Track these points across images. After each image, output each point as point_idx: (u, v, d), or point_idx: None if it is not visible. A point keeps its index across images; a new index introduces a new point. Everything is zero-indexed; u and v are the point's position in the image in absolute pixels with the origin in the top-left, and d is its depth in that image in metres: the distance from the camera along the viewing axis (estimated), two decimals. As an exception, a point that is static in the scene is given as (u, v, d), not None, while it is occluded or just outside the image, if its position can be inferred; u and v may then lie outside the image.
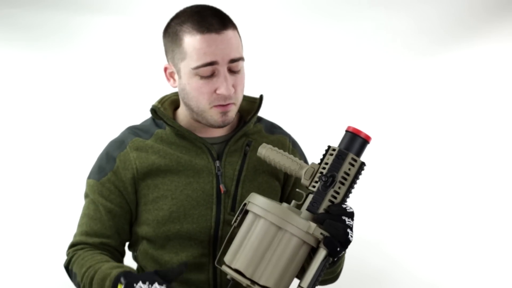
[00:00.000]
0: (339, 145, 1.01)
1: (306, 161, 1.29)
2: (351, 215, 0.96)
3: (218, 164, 1.15)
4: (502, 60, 2.15)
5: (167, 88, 1.28)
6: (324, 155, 1.01)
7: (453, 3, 2.18)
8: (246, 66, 1.14)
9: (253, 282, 0.94)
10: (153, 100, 1.21)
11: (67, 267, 1.17)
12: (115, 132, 1.25)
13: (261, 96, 1.22)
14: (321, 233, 0.93)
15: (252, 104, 1.23)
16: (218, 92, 1.06)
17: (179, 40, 1.06)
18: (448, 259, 2.06)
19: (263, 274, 0.94)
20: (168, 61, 1.13)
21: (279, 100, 2.04)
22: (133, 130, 1.20)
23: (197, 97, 1.08)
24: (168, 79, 1.15)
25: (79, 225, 1.19)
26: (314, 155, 1.32)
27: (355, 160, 0.99)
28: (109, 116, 2.13)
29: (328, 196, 0.98)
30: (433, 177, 2.14)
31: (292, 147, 1.26)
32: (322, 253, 0.93)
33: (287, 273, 0.95)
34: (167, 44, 1.12)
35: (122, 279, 0.99)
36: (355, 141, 1.00)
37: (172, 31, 1.09)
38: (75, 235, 1.19)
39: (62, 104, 2.16)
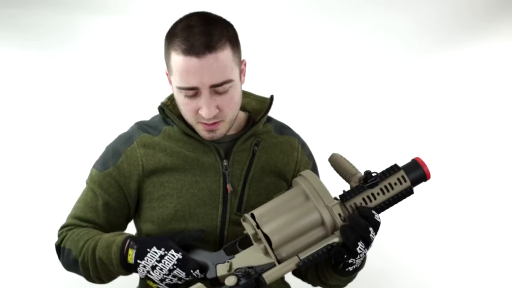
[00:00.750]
0: (402, 166, 1.02)
1: (314, 162, 1.29)
2: (375, 224, 0.95)
3: (225, 163, 1.14)
4: (502, 60, 2.16)
5: (167, 89, 1.27)
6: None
7: (453, 3, 2.19)
8: (249, 65, 1.14)
9: (258, 226, 0.95)
10: (153, 99, 1.20)
11: (59, 246, 1.16)
12: (115, 131, 1.24)
13: (272, 97, 1.21)
14: (339, 214, 0.94)
15: (262, 104, 1.23)
16: (200, 112, 1.06)
17: (169, 54, 1.05)
18: (447, 260, 2.06)
19: (270, 225, 0.95)
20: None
21: (280, 99, 2.04)
22: (142, 126, 1.19)
23: (184, 112, 1.10)
24: (170, 83, 1.13)
25: (75, 208, 1.19)
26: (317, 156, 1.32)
27: (405, 180, 0.99)
28: (108, 116, 2.13)
29: (363, 194, 0.98)
30: (433, 176, 2.14)
31: (301, 148, 1.25)
32: (332, 238, 0.94)
33: (292, 240, 0.95)
34: (164, 50, 1.10)
35: (132, 243, 0.97)
36: (415, 170, 1.01)
37: (166, 41, 1.06)
38: (69, 217, 1.19)
39: (63, 104, 2.15)
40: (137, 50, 2.19)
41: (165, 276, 0.97)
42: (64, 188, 2.01)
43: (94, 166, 1.19)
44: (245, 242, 1.02)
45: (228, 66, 1.03)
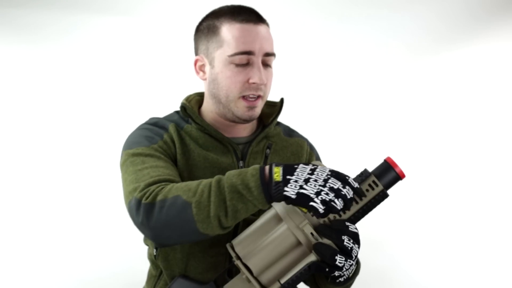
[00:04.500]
0: (372, 171, 0.99)
1: None
2: (353, 235, 0.92)
3: (241, 165, 1.16)
4: (501, 60, 2.18)
5: (170, 89, 1.26)
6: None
7: (453, 4, 2.20)
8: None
9: (238, 257, 0.97)
10: (155, 98, 1.19)
11: (152, 203, 0.94)
12: (116, 131, 1.23)
13: (282, 100, 1.24)
14: (311, 233, 0.93)
15: (272, 108, 1.25)
16: (251, 81, 1.08)
17: (216, 29, 1.09)
18: (447, 260, 2.08)
19: (250, 254, 0.96)
20: (199, 54, 1.15)
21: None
22: (164, 119, 1.19)
23: (229, 85, 1.10)
24: (197, 72, 1.16)
25: (138, 179, 1.00)
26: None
27: (376, 185, 0.97)
28: (110, 116, 2.13)
29: None
30: (434, 176, 2.15)
31: (309, 150, 1.28)
32: (310, 258, 0.93)
33: (272, 264, 0.95)
34: (200, 38, 1.14)
35: (274, 164, 0.90)
36: (388, 173, 0.98)
37: (206, 24, 1.12)
38: (142, 181, 0.99)
39: (61, 103, 2.17)
40: (137, 50, 2.20)
41: (320, 187, 0.87)
42: (61, 188, 2.02)
43: (131, 148, 1.09)
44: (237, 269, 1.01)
45: (273, 42, 1.12)
